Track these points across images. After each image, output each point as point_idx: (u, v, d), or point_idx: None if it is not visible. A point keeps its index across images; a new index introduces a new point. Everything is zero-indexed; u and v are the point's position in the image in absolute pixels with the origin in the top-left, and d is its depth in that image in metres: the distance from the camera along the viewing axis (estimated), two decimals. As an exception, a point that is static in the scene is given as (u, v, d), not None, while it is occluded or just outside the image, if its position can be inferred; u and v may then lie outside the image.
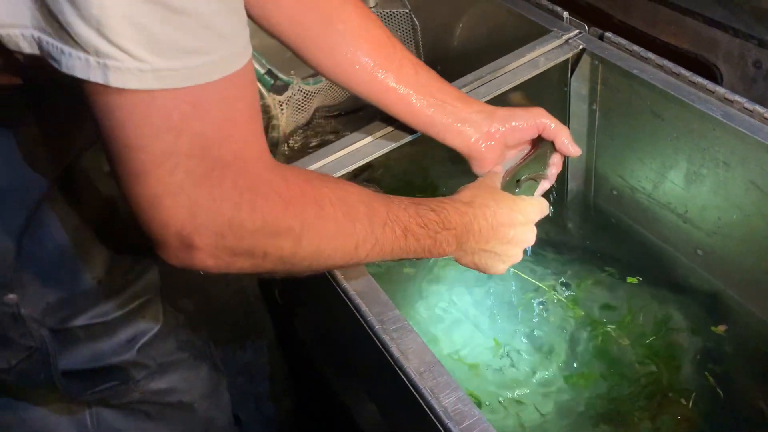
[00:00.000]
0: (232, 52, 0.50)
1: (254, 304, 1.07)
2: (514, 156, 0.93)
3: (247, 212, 0.52)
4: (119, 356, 0.78)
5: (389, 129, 0.97)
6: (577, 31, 1.08)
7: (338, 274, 0.79)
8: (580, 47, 1.05)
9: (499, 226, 0.76)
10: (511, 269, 1.12)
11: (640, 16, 1.29)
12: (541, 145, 0.92)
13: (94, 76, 0.45)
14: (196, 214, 0.50)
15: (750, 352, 1.00)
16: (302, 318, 1.09)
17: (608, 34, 1.05)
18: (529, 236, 0.79)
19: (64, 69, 0.46)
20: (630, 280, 1.11)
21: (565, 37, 1.07)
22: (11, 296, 0.68)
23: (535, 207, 0.81)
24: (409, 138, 0.97)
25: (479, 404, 0.97)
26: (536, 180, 0.90)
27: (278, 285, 1.08)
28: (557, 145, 0.90)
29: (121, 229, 0.74)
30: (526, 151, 0.93)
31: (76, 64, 0.46)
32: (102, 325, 0.75)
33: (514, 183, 0.88)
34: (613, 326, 1.04)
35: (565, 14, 1.10)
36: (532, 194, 0.88)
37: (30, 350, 0.71)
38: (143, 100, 0.46)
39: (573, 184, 1.24)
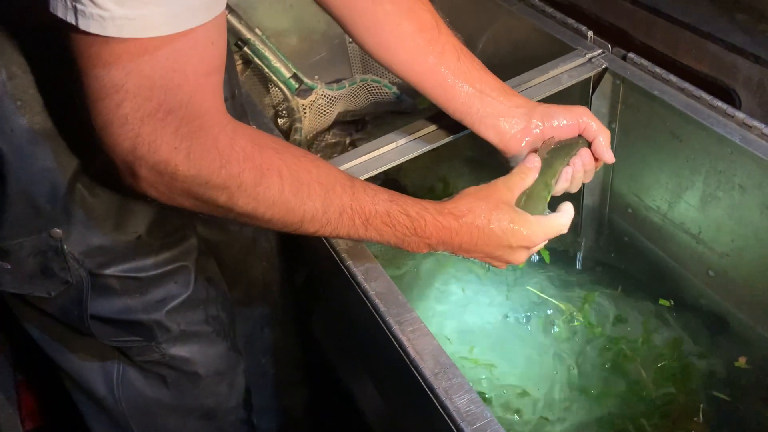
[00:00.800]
0: (187, 7, 0.54)
1: (283, 286, 1.09)
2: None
3: (183, 159, 0.57)
4: (147, 314, 0.81)
5: (415, 135, 0.99)
6: (601, 50, 1.10)
7: (359, 276, 0.81)
8: (603, 66, 1.07)
9: (483, 245, 0.74)
10: (528, 288, 1.15)
11: (662, 38, 1.30)
12: (576, 140, 0.86)
13: (69, 17, 0.53)
14: (137, 147, 0.56)
15: (762, 375, 1.01)
16: (319, 315, 1.11)
17: (631, 54, 1.07)
18: (515, 257, 0.77)
19: (51, 9, 0.54)
20: (662, 302, 1.11)
21: (589, 55, 1.09)
22: (57, 231, 0.73)
23: (539, 230, 0.76)
24: (432, 146, 0.99)
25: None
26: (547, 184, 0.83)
27: (301, 278, 1.09)
28: (594, 145, 0.86)
29: None
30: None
31: (58, 5, 0.53)
32: (135, 280, 0.79)
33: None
34: (627, 345, 1.05)
35: (590, 33, 1.12)
36: (543, 206, 0.82)
37: (67, 285, 0.76)
38: (101, 41, 0.53)
39: (589, 200, 1.25)
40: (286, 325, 1.08)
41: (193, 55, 0.56)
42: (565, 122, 0.84)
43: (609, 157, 0.86)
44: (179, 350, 0.86)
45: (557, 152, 0.85)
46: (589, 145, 0.87)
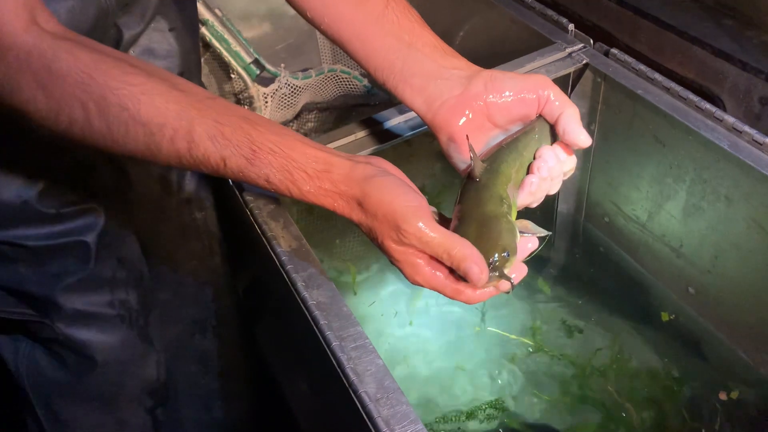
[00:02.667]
0: None
1: (219, 289, 1.00)
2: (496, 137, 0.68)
3: None
4: (41, 287, 0.76)
5: (379, 127, 0.91)
6: (582, 45, 1.02)
7: (299, 282, 0.72)
8: (584, 62, 0.99)
9: (375, 244, 0.59)
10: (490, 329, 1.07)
11: (647, 41, 1.25)
12: (531, 125, 0.66)
13: None
14: None
15: (744, 405, 0.93)
16: (265, 323, 1.02)
17: (614, 50, 0.99)
18: (406, 273, 0.59)
19: None
20: (663, 316, 1.03)
21: (569, 50, 1.01)
22: None
23: (455, 253, 0.56)
24: (396, 141, 0.91)
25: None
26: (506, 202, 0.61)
27: (244, 283, 1.02)
28: (561, 124, 0.64)
29: (71, 163, 0.73)
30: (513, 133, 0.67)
31: None
32: (23, 248, 0.73)
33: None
34: (602, 368, 0.98)
35: (571, 26, 1.04)
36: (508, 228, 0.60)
37: None
38: None
39: (563, 207, 1.18)
40: (223, 331, 1.00)
41: None
42: (517, 92, 0.65)
43: (583, 138, 0.64)
44: (75, 332, 0.79)
45: (509, 148, 0.65)
46: (552, 129, 0.66)
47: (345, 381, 0.64)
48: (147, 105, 0.55)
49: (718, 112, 0.86)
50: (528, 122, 0.67)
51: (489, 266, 0.57)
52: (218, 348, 1.00)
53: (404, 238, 0.56)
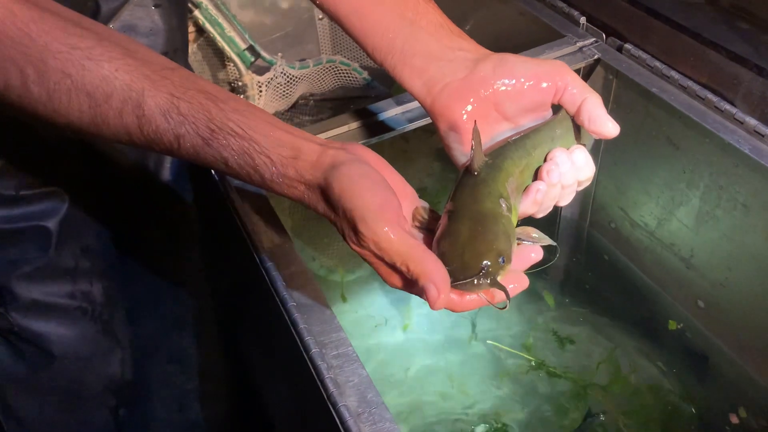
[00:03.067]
0: None
1: (203, 287, 0.95)
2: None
3: None
4: None
5: (374, 119, 0.85)
6: (594, 39, 0.96)
7: (279, 281, 0.66)
8: (595, 57, 0.94)
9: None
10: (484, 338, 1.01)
11: (658, 42, 1.21)
12: (551, 121, 0.59)
13: None
14: None
15: (753, 427, 0.87)
16: (247, 323, 0.96)
17: (628, 46, 0.94)
18: (380, 274, 0.52)
19: None
20: (671, 325, 0.97)
21: (580, 44, 0.96)
22: None
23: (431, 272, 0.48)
24: (393, 133, 0.85)
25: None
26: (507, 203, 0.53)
27: (227, 280, 0.96)
28: (583, 117, 0.57)
29: (34, 142, 0.68)
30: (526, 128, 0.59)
31: None
32: None
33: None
34: (603, 384, 0.92)
35: (582, 19, 0.99)
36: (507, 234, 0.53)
37: None
38: None
39: (566, 211, 1.13)
40: (201, 330, 0.94)
41: None
42: (532, 81, 0.57)
43: (611, 126, 0.56)
44: (32, 323, 0.74)
45: (517, 144, 0.57)
46: (576, 129, 0.59)
47: (323, 392, 0.58)
48: (93, 72, 0.48)
49: (739, 114, 0.80)
50: (547, 118, 0.59)
51: (480, 272, 0.49)
52: (196, 347, 0.95)
53: (362, 240, 0.49)
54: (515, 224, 0.55)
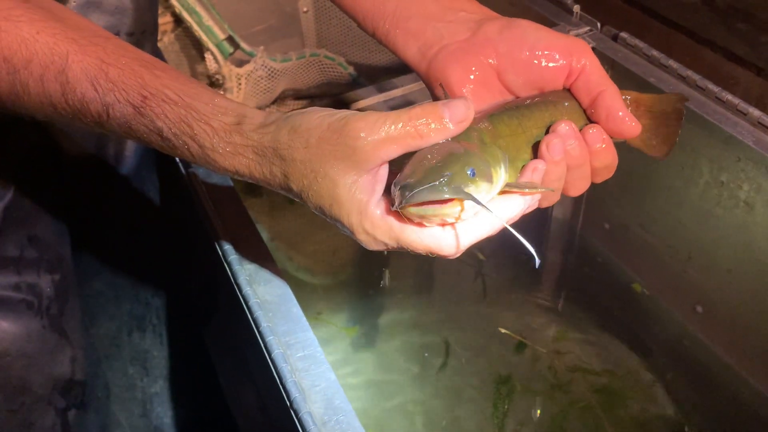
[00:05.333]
0: None
1: (167, 285, 0.90)
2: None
3: None
4: None
5: (354, 109, 0.80)
6: (588, 28, 0.93)
7: (242, 276, 0.60)
8: (590, 47, 0.89)
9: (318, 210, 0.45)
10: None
11: (654, 41, 1.19)
12: (559, 94, 0.51)
13: None
14: None
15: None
16: (215, 325, 0.91)
17: (624, 34, 0.89)
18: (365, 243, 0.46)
19: None
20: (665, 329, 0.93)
21: (573, 33, 0.92)
22: None
23: (422, 244, 0.43)
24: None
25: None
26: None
27: (198, 280, 0.91)
28: (599, 111, 0.49)
29: None
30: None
31: None
32: None
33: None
34: (599, 398, 0.88)
35: (576, 7, 0.96)
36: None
37: None
38: None
39: (557, 211, 1.09)
40: (165, 331, 0.89)
41: None
42: (544, 52, 0.49)
43: (634, 125, 0.49)
44: None
45: (512, 109, 0.49)
46: (580, 108, 0.51)
47: (286, 397, 0.52)
48: (10, 35, 0.44)
49: (742, 104, 0.76)
50: (550, 94, 0.51)
51: (443, 177, 0.40)
52: (159, 349, 0.89)
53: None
54: (500, 160, 0.45)
